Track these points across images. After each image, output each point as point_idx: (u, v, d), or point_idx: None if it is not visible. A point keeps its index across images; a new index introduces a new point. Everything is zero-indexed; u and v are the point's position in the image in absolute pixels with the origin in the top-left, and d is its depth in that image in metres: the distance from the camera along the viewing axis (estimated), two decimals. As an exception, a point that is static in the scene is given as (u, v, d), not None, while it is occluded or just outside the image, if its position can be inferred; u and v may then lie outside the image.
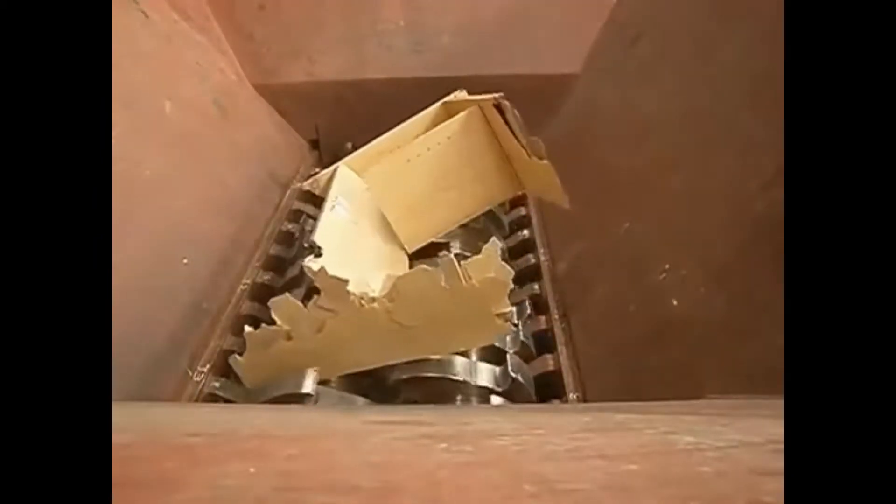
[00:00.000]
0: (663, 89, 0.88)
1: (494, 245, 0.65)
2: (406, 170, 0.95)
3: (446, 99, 1.09)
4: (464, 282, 0.63)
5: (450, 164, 0.95)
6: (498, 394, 0.76)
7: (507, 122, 0.88)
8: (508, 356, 0.80)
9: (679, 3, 0.94)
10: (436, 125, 1.05)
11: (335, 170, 1.03)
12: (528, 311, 0.92)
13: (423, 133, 1.02)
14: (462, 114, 0.95)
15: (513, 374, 0.76)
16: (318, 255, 0.68)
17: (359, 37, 1.29)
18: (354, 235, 0.89)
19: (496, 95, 0.86)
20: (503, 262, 0.65)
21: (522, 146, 0.88)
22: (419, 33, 1.28)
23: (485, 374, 0.77)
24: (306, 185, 1.12)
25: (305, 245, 0.72)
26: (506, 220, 1.14)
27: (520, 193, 1.08)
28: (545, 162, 0.85)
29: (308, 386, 0.68)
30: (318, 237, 0.72)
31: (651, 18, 1.02)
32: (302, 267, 0.68)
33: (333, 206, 0.86)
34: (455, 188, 0.96)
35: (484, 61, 1.26)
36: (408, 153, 0.95)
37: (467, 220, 1.00)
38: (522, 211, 1.16)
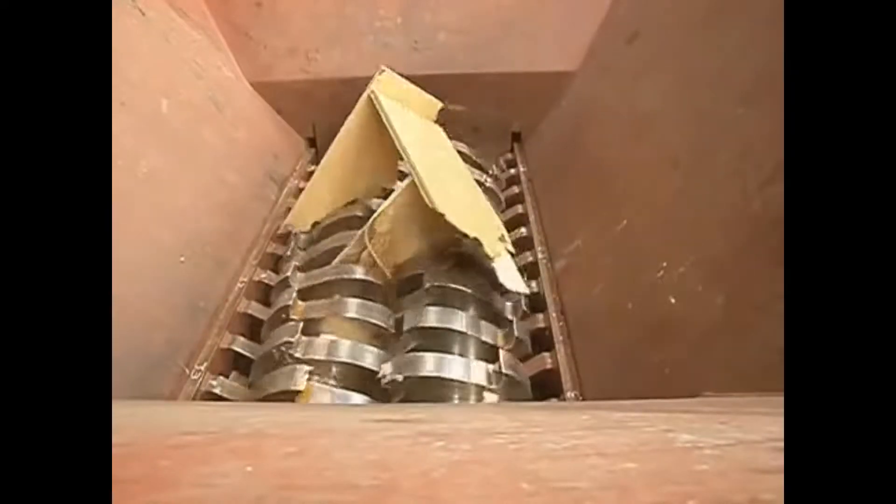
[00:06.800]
0: (661, 87, 0.88)
1: None
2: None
3: (370, 87, 1.05)
4: None
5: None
6: (492, 391, 0.76)
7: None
8: (501, 353, 0.80)
9: (676, 1, 0.94)
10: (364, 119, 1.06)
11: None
12: (524, 309, 0.92)
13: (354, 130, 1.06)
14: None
15: (506, 372, 0.77)
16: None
17: (356, 34, 1.28)
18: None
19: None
20: None
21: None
22: (417, 31, 1.28)
23: (478, 372, 0.77)
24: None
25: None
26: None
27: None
28: None
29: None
30: None
31: (648, 16, 1.01)
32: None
33: None
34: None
35: (482, 59, 1.26)
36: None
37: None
38: (520, 209, 1.15)
